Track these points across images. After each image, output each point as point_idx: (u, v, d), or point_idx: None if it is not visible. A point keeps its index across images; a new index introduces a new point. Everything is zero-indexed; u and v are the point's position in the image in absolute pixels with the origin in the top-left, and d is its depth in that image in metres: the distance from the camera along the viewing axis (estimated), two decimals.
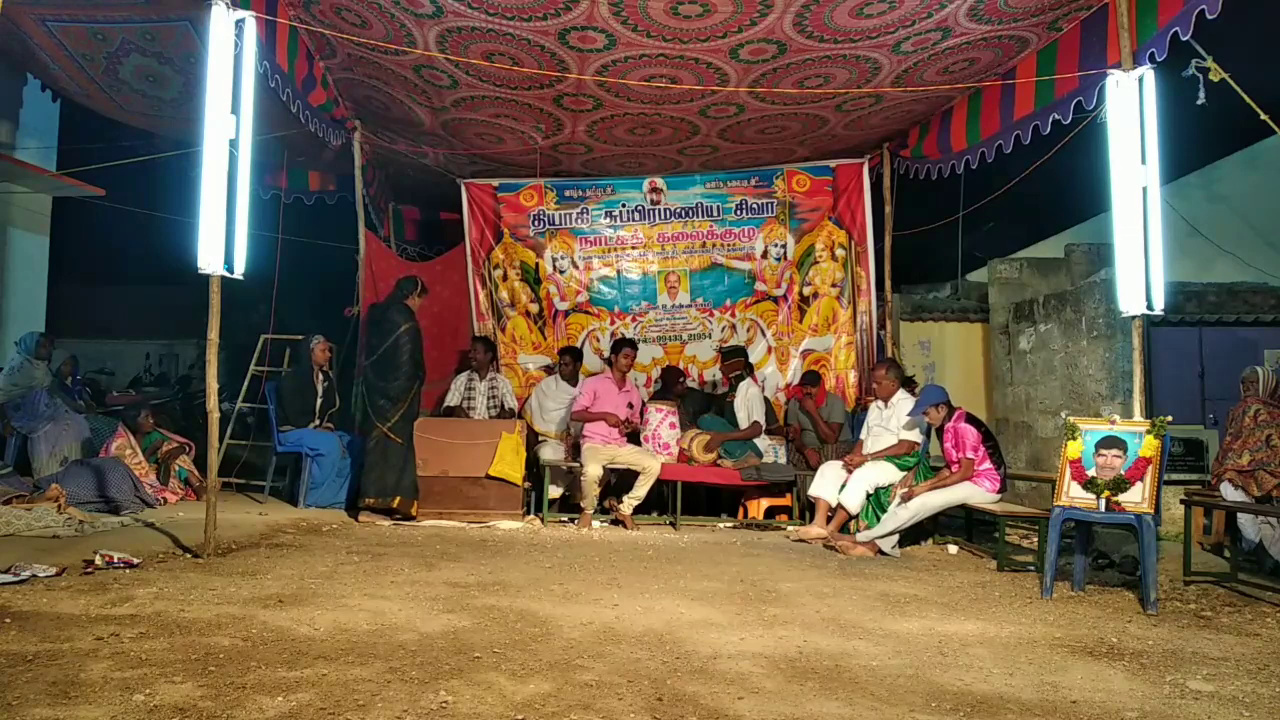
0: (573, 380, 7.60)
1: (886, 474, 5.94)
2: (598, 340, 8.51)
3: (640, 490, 6.80)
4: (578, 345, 8.28)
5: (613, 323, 8.48)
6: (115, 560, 4.31)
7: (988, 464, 5.67)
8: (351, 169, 7.71)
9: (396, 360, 6.58)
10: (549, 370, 8.11)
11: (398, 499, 6.48)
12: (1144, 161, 4.87)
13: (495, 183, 8.50)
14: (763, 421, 7.23)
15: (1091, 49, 5.37)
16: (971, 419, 5.81)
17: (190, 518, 5.64)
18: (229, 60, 4.61)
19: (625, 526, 6.69)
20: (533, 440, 7.32)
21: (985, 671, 3.07)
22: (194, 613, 3.44)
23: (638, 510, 6.99)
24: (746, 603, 4.04)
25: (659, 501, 7.34)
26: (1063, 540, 4.61)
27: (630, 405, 7.06)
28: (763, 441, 7.23)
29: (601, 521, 6.89)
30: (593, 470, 6.64)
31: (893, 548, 5.66)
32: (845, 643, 3.38)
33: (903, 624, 3.73)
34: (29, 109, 8.39)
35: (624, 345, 7.26)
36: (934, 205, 8.45)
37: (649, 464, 6.78)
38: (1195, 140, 8.59)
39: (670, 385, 7.75)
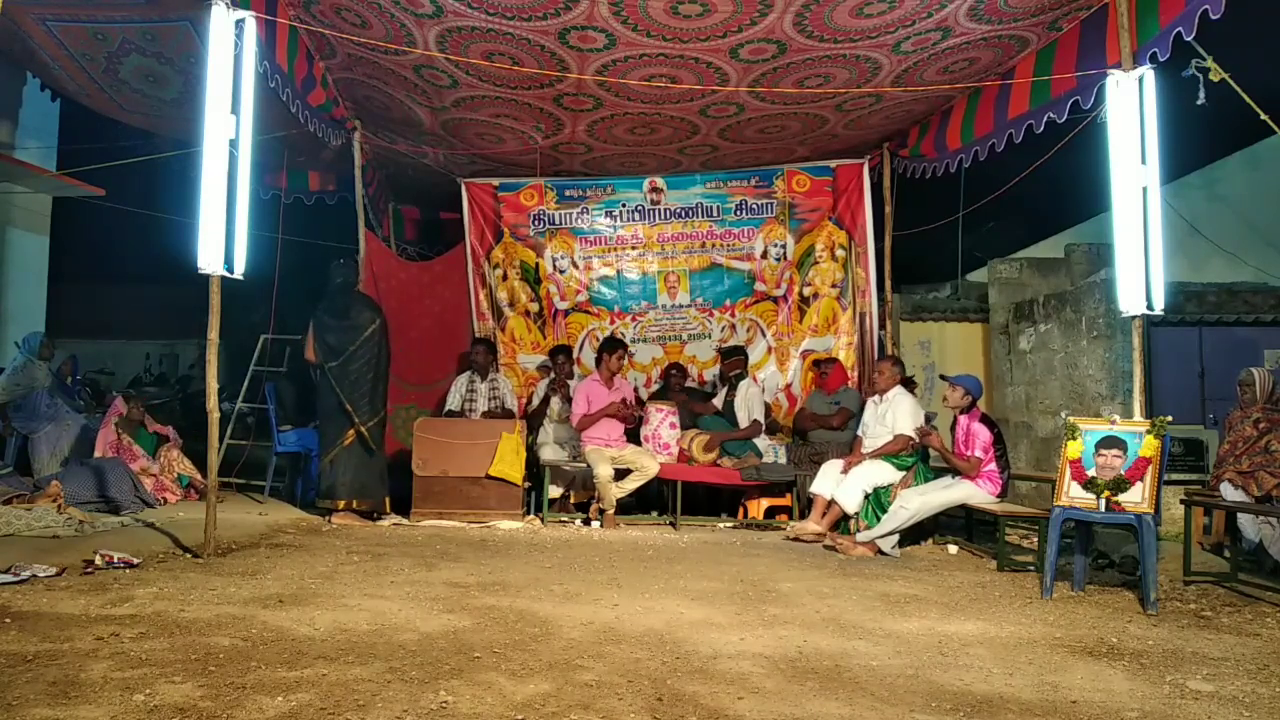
0: (569, 377, 7.61)
1: (885, 474, 5.94)
2: (597, 340, 8.48)
3: (629, 484, 6.78)
4: (577, 345, 8.28)
5: (612, 322, 8.46)
6: (115, 560, 4.31)
7: (993, 466, 5.67)
8: (351, 169, 7.71)
9: (375, 365, 6.47)
10: (545, 371, 8.09)
11: (368, 500, 6.45)
12: (1144, 161, 4.86)
13: (495, 182, 8.49)
14: (762, 420, 7.23)
15: (1091, 49, 5.37)
16: (986, 419, 5.81)
17: (190, 518, 5.65)
18: (229, 60, 4.62)
19: (604, 525, 6.63)
20: (532, 440, 7.32)
21: (985, 671, 3.07)
22: (194, 613, 3.44)
23: (634, 510, 6.96)
24: (746, 603, 4.04)
25: (659, 501, 7.34)
26: (1063, 540, 4.61)
27: (623, 402, 7.04)
28: (763, 441, 7.24)
29: (581, 519, 6.89)
30: (603, 471, 6.62)
31: (893, 548, 5.66)
32: (845, 643, 3.38)
33: (903, 624, 3.73)
34: (29, 109, 8.39)
35: (615, 346, 7.21)
36: (934, 205, 8.45)
37: (647, 464, 6.78)
38: (1195, 140, 8.60)
39: (670, 384, 7.73)
